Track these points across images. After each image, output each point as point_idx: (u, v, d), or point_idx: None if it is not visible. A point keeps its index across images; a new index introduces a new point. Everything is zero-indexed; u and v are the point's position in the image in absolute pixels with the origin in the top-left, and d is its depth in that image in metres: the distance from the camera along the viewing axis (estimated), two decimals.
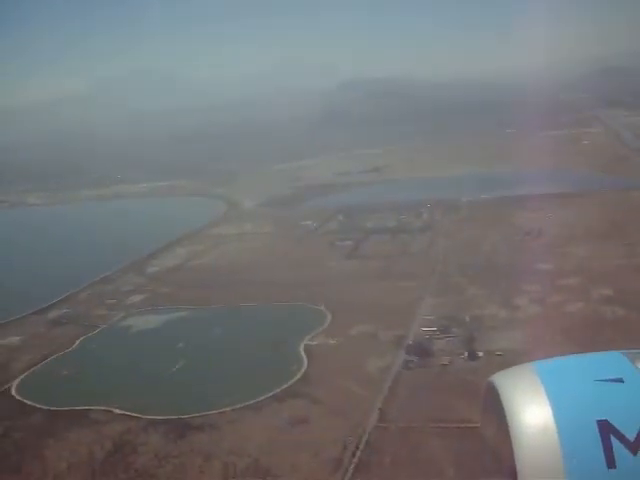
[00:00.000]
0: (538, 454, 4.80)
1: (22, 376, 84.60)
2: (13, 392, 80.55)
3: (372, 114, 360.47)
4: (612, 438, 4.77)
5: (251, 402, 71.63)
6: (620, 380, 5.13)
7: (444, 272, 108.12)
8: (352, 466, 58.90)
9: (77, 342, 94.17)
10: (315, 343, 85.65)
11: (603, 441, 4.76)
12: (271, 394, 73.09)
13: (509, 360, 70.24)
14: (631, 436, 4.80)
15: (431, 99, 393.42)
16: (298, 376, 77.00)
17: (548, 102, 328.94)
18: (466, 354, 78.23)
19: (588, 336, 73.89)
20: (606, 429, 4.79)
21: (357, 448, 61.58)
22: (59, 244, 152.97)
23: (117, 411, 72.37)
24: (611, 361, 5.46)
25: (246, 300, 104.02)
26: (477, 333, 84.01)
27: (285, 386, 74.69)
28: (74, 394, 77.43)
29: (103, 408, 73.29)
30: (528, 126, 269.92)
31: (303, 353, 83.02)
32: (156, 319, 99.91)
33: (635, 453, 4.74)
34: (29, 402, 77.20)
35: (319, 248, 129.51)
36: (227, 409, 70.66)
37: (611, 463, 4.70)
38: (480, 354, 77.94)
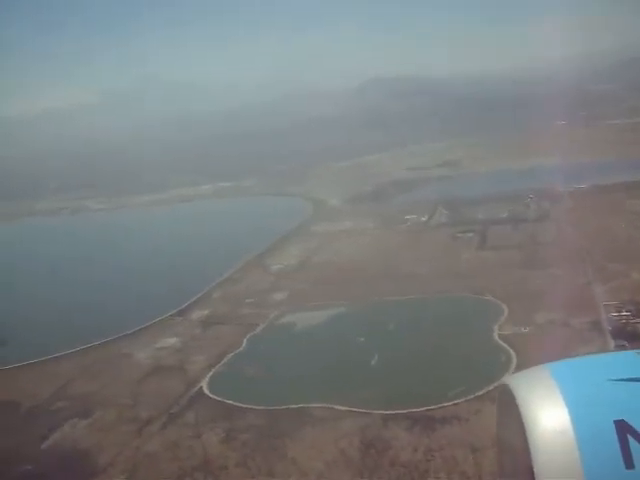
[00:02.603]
0: (555, 456, 4.74)
1: (208, 377, 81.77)
2: (208, 393, 77.82)
3: (405, 112, 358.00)
4: (629, 438, 4.70)
5: (481, 392, 69.02)
6: (636, 379, 5.05)
7: (593, 259, 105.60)
8: None
9: (244, 341, 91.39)
10: (508, 332, 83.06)
11: (620, 441, 4.69)
12: (496, 384, 70.50)
13: None
14: None
15: (460, 96, 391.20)
16: (514, 365, 74.45)
17: (585, 93, 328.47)
18: None
19: None
20: (623, 429, 4.72)
21: None
22: (158, 247, 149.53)
23: (340, 407, 69.65)
24: (626, 361, 5.40)
25: (398, 294, 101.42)
26: None
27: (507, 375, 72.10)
28: (279, 393, 74.68)
29: (322, 405, 70.59)
30: (578, 117, 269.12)
31: (502, 342, 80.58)
32: (315, 316, 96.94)
33: None
34: (232, 402, 74.40)
35: (440, 241, 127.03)
36: (459, 400, 68.12)
37: (629, 463, 4.61)
38: None
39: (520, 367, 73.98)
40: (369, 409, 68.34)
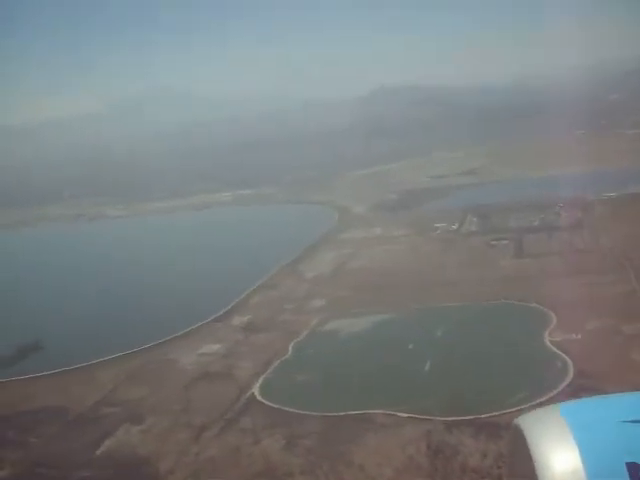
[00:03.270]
0: None
1: (258, 383, 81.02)
2: (261, 399, 77.06)
3: (417, 120, 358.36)
4: None
5: (544, 399, 68.22)
6: None
7: (634, 266, 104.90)
8: None
9: (290, 348, 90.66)
10: (559, 339, 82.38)
11: None
12: (558, 390, 69.87)
13: None
14: None
15: (473, 105, 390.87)
16: (572, 372, 73.71)
17: (599, 102, 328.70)
18: None
19: None
20: (635, 472, 4.62)
21: None
22: (187, 254, 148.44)
23: (402, 414, 68.93)
24: (638, 402, 5.33)
25: (440, 301, 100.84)
26: None
27: (567, 381, 71.42)
28: (333, 399, 74.00)
29: (382, 412, 69.89)
30: (596, 127, 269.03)
31: (555, 349, 79.89)
32: (358, 322, 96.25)
33: None
34: (288, 409, 73.63)
35: (475, 248, 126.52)
36: (523, 406, 67.27)
37: None
38: None
39: (578, 372, 73.27)
40: (430, 415, 67.59)
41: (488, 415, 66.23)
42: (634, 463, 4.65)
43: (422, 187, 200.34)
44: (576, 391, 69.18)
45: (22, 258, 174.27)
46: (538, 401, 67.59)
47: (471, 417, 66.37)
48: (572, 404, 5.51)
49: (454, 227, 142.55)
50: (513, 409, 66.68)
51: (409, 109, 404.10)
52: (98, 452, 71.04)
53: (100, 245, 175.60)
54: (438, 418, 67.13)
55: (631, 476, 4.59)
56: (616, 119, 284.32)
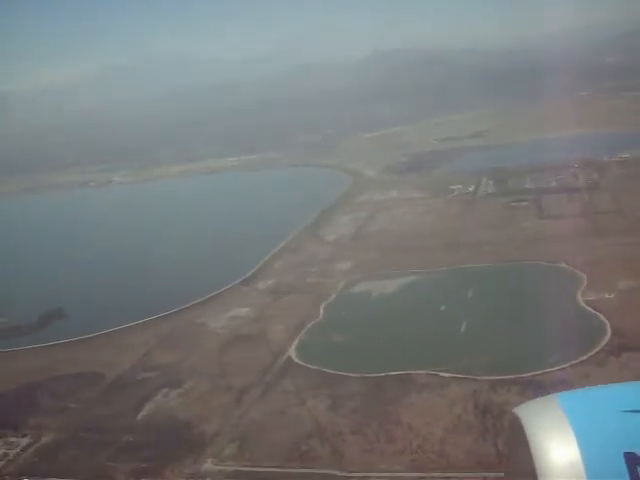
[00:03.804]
0: None
1: (293, 346, 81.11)
2: (298, 361, 77.19)
3: (423, 83, 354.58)
4: (639, 470, 4.58)
5: (584, 357, 68.66)
6: None
7: None
8: None
9: (321, 310, 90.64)
10: (592, 298, 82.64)
11: (631, 473, 4.58)
12: (598, 349, 70.21)
13: None
14: None
15: (472, 68, 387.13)
16: (609, 330, 74.02)
17: (597, 65, 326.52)
18: None
19: None
20: (633, 461, 4.61)
21: None
22: (203, 219, 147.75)
23: (444, 374, 69.24)
24: (637, 392, 5.29)
25: (467, 262, 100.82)
26: None
27: (606, 340, 71.78)
28: (372, 360, 74.18)
29: (424, 372, 70.16)
30: (598, 89, 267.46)
31: (589, 308, 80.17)
32: (388, 284, 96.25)
33: None
34: (328, 370, 73.80)
35: (495, 210, 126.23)
36: (564, 366, 67.71)
37: None
38: None
39: (615, 331, 73.58)
40: (474, 375, 67.81)
41: (531, 374, 66.60)
42: (632, 453, 4.61)
43: (431, 150, 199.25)
44: (616, 349, 69.75)
45: (34, 226, 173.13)
46: (578, 360, 68.23)
47: (514, 376, 66.67)
48: (570, 394, 5.46)
49: (470, 189, 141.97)
50: (555, 368, 67.43)
51: (408, 72, 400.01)
52: (139, 416, 71.01)
53: (113, 211, 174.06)
54: (481, 378, 67.43)
55: (629, 466, 4.55)
56: (615, 81, 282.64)
